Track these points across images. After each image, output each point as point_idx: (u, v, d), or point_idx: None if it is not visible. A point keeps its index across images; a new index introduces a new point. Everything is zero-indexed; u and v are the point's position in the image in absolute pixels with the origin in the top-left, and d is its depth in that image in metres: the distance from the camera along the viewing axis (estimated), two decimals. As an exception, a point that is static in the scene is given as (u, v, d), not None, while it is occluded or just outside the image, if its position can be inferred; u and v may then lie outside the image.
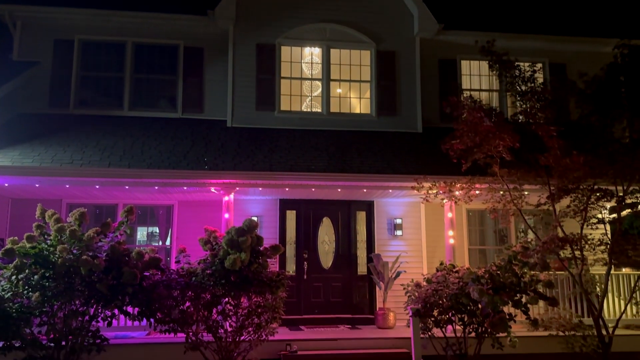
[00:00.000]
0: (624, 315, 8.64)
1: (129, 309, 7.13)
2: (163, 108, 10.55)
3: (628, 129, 7.83)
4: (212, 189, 8.89)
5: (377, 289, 10.15)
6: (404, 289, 8.19)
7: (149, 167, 8.47)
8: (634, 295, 8.47)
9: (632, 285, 8.62)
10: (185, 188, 8.85)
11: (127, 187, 8.71)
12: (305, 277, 10.27)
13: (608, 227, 8.82)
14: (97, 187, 8.63)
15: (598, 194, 7.86)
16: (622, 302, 8.78)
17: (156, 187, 8.72)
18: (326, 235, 10.64)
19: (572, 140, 7.89)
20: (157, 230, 10.44)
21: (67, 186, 8.63)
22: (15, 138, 8.98)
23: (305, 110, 10.81)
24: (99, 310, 7.06)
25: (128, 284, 6.79)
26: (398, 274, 9.75)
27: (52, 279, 6.68)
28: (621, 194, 7.96)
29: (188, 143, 9.43)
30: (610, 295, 9.10)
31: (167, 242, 10.21)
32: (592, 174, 7.63)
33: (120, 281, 6.80)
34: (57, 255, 6.71)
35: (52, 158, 8.49)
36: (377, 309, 9.81)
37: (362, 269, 10.54)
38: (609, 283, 8.75)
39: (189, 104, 10.55)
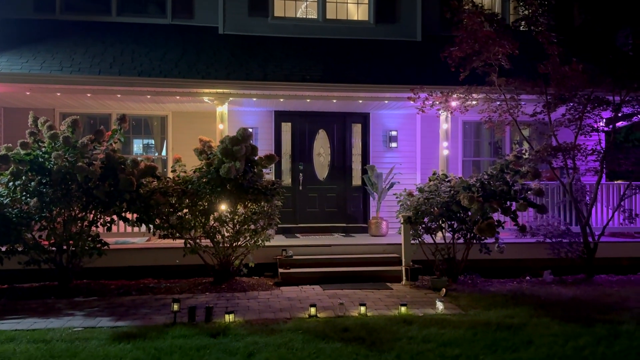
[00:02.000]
0: (611, 223, 8.89)
1: (128, 215, 7.30)
2: (152, 14, 10.16)
3: (631, 35, 7.60)
4: (206, 99, 8.78)
5: (371, 199, 10.35)
6: (397, 198, 8.36)
7: (140, 75, 8.29)
8: (621, 203, 8.65)
9: (621, 194, 8.78)
10: (178, 97, 8.74)
11: (119, 96, 8.58)
12: (300, 188, 10.43)
13: (602, 136, 8.84)
14: (89, 95, 8.50)
15: (595, 103, 7.79)
16: (611, 212, 8.98)
17: (148, 96, 8.60)
18: (322, 148, 10.67)
19: (573, 48, 7.69)
20: (153, 142, 10.44)
21: (59, 94, 8.50)
22: (0, 44, 8.71)
23: (300, 17, 10.40)
24: (98, 216, 7.24)
25: (125, 191, 6.90)
26: (392, 185, 9.91)
27: (49, 185, 6.78)
28: (618, 103, 7.89)
29: (179, 51, 9.17)
30: (599, 204, 9.30)
31: (163, 153, 10.25)
32: (590, 82, 7.52)
33: (117, 188, 6.90)
34: (52, 162, 6.76)
35: (40, 65, 8.29)
36: (371, 218, 10.05)
37: (356, 180, 10.68)
38: (599, 192, 8.93)
39: (178, 8, 10.12)
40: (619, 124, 9.76)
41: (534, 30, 7.94)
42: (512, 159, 7.45)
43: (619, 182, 9.70)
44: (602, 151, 8.10)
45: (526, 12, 8.11)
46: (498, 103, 8.34)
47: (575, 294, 7.09)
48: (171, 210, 7.28)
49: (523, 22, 8.24)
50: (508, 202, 7.49)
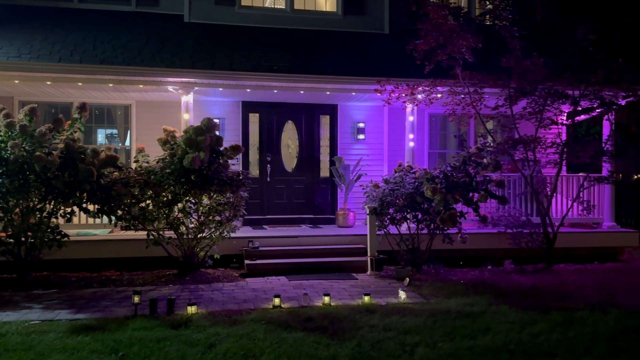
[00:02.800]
0: (570, 214, 9.14)
1: (89, 207, 7.15)
2: (115, 0, 9.88)
3: (591, 31, 7.78)
4: (170, 88, 8.63)
5: (339, 190, 10.39)
6: (364, 189, 8.42)
7: (102, 63, 8.09)
8: (579, 194, 8.90)
9: (580, 185, 9.03)
10: (141, 86, 8.55)
11: (80, 84, 8.35)
12: (268, 179, 10.39)
13: (563, 130, 9.06)
14: (49, 83, 8.23)
15: (555, 96, 7.97)
16: (570, 203, 9.23)
17: (110, 85, 8.39)
18: (290, 139, 10.64)
19: (535, 43, 7.85)
20: (116, 132, 10.22)
21: (17, 82, 8.20)
22: (-46, 29, 8.39)
23: (268, 6, 10.31)
24: (58, 207, 7.06)
25: (85, 181, 6.75)
26: (359, 177, 9.96)
27: (6, 175, 6.60)
28: (577, 97, 8.10)
29: (143, 39, 8.98)
30: (559, 196, 9.55)
31: (127, 143, 10.05)
32: (550, 76, 7.69)
33: (77, 178, 6.75)
34: (8, 152, 6.58)
35: (-4, 51, 8.01)
36: (338, 210, 10.10)
37: (324, 172, 10.70)
38: (559, 184, 9.18)
39: (143, -5, 9.92)
40: (581, 117, 10.02)
41: (498, 24, 8.07)
42: (475, 151, 7.59)
43: (581, 174, 9.97)
44: (561, 144, 8.31)
45: (490, 6, 8.22)
46: (462, 96, 8.46)
47: (534, 283, 7.29)
48: (133, 201, 7.16)
49: (487, 16, 8.37)
50: (470, 194, 7.63)
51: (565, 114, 9.32)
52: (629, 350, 4.71)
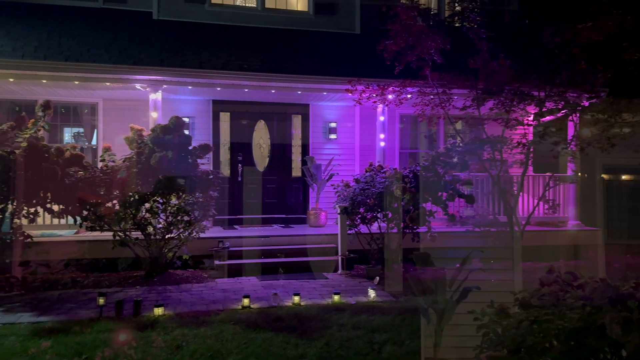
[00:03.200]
0: (537, 213, 9.33)
1: (54, 207, 6.99)
2: (82, -5, 9.69)
3: (557, 34, 7.93)
4: (138, 86, 8.49)
5: (311, 190, 10.39)
6: (335, 189, 8.44)
7: (67, 60, 7.92)
8: (545, 193, 9.09)
9: (545, 185, 9.22)
10: (108, 84, 8.39)
11: (44, 82, 8.15)
12: (240, 179, 10.32)
13: (529, 130, 9.23)
14: (12, 80, 8.01)
15: (520, 98, 8.11)
16: (536, 202, 9.42)
17: (76, 82, 8.20)
18: (261, 139, 10.59)
19: (502, 45, 7.97)
20: (83, 131, 10.00)
21: (-23, 79, 7.99)
22: None
23: (239, 4, 10.24)
24: (20, 208, 6.87)
25: (48, 181, 6.59)
26: (331, 176, 9.98)
27: (-35, 175, 6.38)
28: (542, 98, 8.25)
29: (110, 36, 8.80)
30: (526, 195, 9.74)
31: (94, 142, 9.84)
32: (516, 78, 7.81)
33: (41, 178, 6.58)
34: (-33, 151, 6.37)
35: (-44, 47, 7.75)
36: (310, 209, 10.10)
37: (296, 172, 10.69)
38: (525, 184, 9.36)
39: (110, -8, 9.73)
40: (546, 118, 10.21)
41: (466, 26, 8.16)
42: (444, 151, 7.69)
43: (547, 174, 10.18)
44: (526, 144, 8.47)
45: (459, 8, 8.32)
46: (431, 97, 8.53)
47: (500, 280, 7.40)
48: (99, 201, 7.02)
49: (456, 18, 8.47)
50: (439, 193, 7.71)
51: (532, 115, 9.49)
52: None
